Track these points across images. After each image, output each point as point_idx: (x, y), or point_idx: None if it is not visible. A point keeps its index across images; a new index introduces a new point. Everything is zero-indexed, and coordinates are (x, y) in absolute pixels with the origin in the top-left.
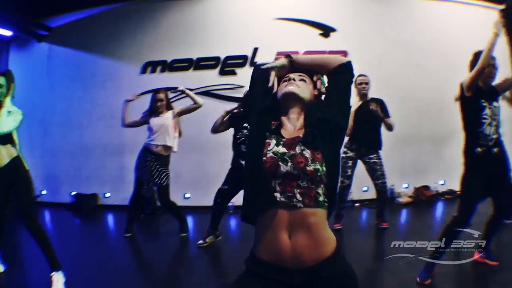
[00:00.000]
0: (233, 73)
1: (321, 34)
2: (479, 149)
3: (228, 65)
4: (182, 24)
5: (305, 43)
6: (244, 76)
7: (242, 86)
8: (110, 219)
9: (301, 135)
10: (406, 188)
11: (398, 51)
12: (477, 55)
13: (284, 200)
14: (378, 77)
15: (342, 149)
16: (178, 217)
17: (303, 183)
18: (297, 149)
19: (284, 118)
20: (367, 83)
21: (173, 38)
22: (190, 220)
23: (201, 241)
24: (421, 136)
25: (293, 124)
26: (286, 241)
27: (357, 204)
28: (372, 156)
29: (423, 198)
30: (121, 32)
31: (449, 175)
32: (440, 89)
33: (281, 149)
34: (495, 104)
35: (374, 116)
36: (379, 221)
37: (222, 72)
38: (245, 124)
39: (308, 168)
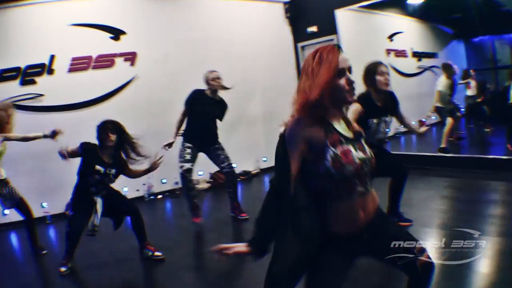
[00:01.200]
0: (34, 82)
1: (111, 38)
2: None
3: (29, 74)
4: None
5: (98, 47)
6: (43, 84)
7: (42, 95)
8: None
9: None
10: (201, 175)
11: (182, 49)
12: (368, 69)
13: (362, 190)
14: (163, 74)
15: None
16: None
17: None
18: (367, 151)
19: (334, 121)
20: (220, 77)
21: None
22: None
23: (63, 268)
24: None
25: (341, 125)
26: (361, 214)
27: (159, 197)
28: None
29: (221, 182)
30: None
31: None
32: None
33: (360, 154)
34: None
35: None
36: (238, 212)
37: (24, 82)
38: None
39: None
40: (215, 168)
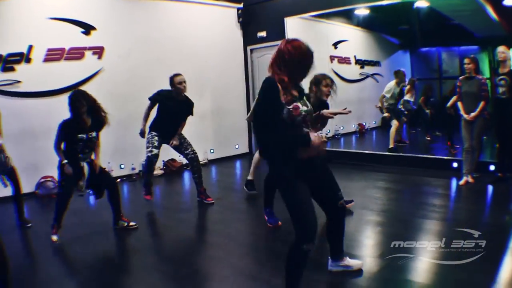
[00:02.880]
0: (13, 69)
1: (83, 32)
2: None
3: (9, 62)
4: None
5: (70, 40)
6: (21, 72)
7: (19, 81)
8: None
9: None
10: None
11: (144, 46)
12: (317, 79)
13: (307, 130)
14: (127, 68)
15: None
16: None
17: None
18: (308, 105)
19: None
20: (185, 81)
21: None
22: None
23: (55, 237)
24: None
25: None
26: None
27: (117, 180)
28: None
29: (173, 169)
30: None
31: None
32: None
33: (304, 107)
34: None
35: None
36: (204, 197)
37: (4, 69)
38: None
39: None
40: (168, 157)
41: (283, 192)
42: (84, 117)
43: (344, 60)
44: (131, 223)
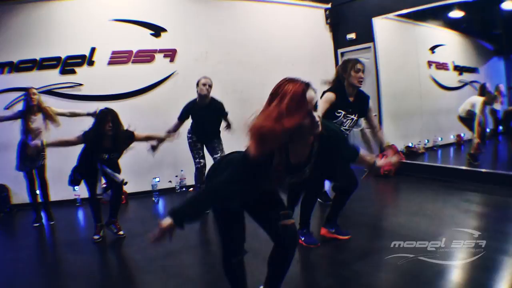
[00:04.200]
0: (73, 72)
1: (152, 34)
2: None
3: (69, 64)
4: (26, 26)
5: (138, 42)
6: (83, 75)
7: (81, 84)
8: None
9: None
10: None
11: (221, 49)
12: (346, 62)
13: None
14: (204, 71)
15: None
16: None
17: None
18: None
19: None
20: (210, 86)
21: (19, 40)
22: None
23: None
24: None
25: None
26: None
27: (190, 189)
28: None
29: None
30: None
31: None
32: (261, 81)
33: (293, 179)
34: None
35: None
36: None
37: (63, 72)
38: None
39: None
40: None
41: (217, 219)
42: (105, 138)
43: (441, 66)
44: (120, 232)
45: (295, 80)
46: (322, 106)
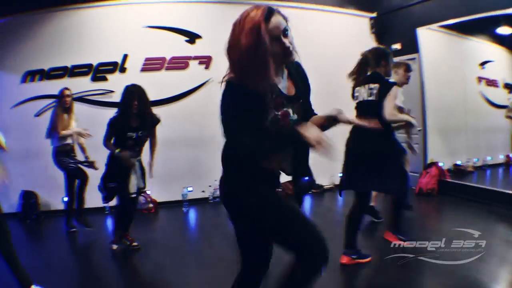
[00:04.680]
0: (105, 79)
1: (187, 41)
2: None
3: (100, 71)
4: (58, 34)
5: (172, 49)
6: (114, 82)
7: (112, 91)
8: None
9: None
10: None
11: None
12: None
13: None
14: None
15: None
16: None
17: None
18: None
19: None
20: None
21: (50, 47)
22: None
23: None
24: None
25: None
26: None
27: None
28: None
29: (289, 192)
30: (4, 45)
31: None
32: None
33: (295, 116)
34: None
35: None
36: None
37: (95, 79)
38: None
39: None
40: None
41: (262, 210)
42: (132, 116)
43: (491, 83)
44: (134, 243)
45: (259, 6)
46: (393, 102)
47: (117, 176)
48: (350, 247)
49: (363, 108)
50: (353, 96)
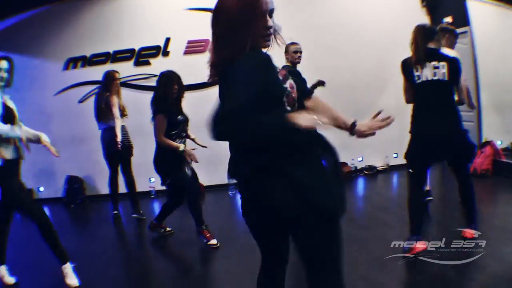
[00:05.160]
0: (148, 63)
1: None
2: None
3: (143, 56)
4: (99, 20)
5: None
6: (157, 66)
7: (155, 75)
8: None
9: None
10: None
11: (308, 35)
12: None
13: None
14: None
15: None
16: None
17: None
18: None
19: None
20: (301, 52)
21: (91, 34)
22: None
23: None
24: None
25: None
26: None
27: None
28: None
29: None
30: (45, 33)
31: (365, 152)
32: (352, 69)
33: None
34: None
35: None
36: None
37: (137, 63)
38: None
39: None
40: None
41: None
42: (172, 101)
43: None
44: (168, 228)
45: None
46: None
47: (174, 170)
48: (418, 231)
49: (428, 89)
50: (409, 77)
